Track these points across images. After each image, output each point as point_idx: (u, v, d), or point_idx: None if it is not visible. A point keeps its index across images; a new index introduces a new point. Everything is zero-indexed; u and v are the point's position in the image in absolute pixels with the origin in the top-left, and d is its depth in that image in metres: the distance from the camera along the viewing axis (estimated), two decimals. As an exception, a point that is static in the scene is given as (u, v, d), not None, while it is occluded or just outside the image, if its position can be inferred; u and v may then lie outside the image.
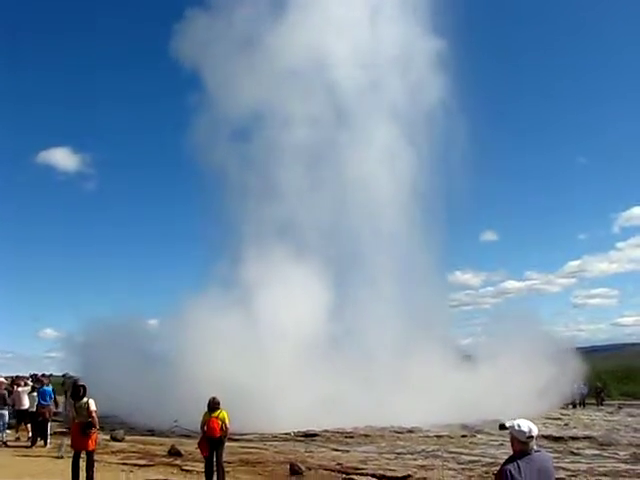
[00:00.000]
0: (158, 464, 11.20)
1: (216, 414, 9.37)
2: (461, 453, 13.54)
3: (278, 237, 22.98)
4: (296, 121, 24.16)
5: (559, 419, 21.59)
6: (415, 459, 12.54)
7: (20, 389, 14.28)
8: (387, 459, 12.43)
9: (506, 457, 3.61)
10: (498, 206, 54.29)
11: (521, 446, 3.49)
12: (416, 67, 26.07)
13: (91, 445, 8.92)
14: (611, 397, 32.52)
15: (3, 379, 14.48)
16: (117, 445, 13.79)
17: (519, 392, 20.52)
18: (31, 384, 15.07)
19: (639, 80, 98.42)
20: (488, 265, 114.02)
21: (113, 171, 75.81)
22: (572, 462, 12.26)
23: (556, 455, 12.32)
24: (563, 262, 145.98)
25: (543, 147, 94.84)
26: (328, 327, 21.20)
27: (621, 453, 13.80)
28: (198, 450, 9.90)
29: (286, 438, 15.96)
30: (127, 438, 15.13)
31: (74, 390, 9.59)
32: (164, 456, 12.16)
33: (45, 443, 13.20)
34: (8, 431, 13.92)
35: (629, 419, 22.19)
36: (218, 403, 9.50)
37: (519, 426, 3.49)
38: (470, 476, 10.06)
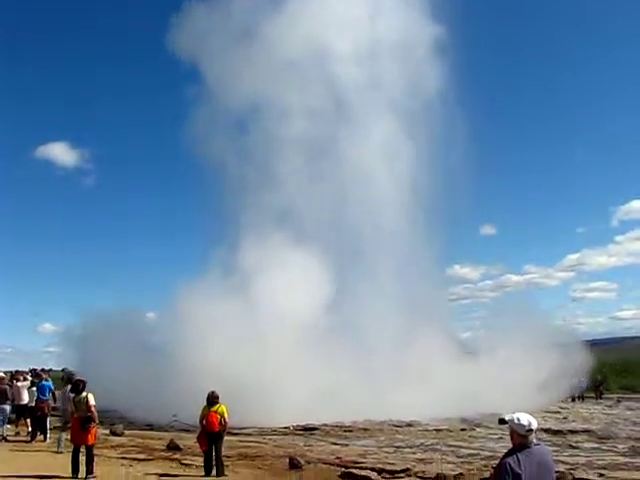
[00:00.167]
0: (157, 458, 11.19)
1: (215, 408, 9.37)
2: (460, 447, 13.58)
3: (276, 224, 23.01)
4: (294, 113, 24.11)
5: (558, 412, 21.66)
6: (414, 453, 12.56)
7: (19, 384, 14.25)
8: (386, 453, 12.44)
9: (505, 450, 3.60)
10: (497, 200, 54.64)
11: (520, 439, 3.48)
12: (415, 55, 25.99)
13: (90, 439, 8.94)
14: (610, 390, 32.61)
15: (2, 374, 14.45)
16: (116, 439, 13.81)
17: (518, 386, 20.56)
18: (30, 379, 15.04)
19: (639, 74, 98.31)
20: (487, 259, 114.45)
21: (111, 166, 76.02)
22: (571, 455, 12.31)
23: (555, 448, 12.34)
24: (562, 256, 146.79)
25: (542, 141, 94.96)
26: (327, 319, 21.15)
27: (620, 446, 13.87)
28: (197, 444, 9.92)
29: (285, 432, 15.97)
30: (126, 432, 15.17)
31: (73, 385, 9.57)
32: (163, 450, 12.15)
33: (45, 438, 13.19)
34: (8, 426, 13.91)
35: (628, 412, 22.28)
36: (217, 397, 9.50)
37: (518, 419, 3.48)
38: (469, 469, 10.05)
